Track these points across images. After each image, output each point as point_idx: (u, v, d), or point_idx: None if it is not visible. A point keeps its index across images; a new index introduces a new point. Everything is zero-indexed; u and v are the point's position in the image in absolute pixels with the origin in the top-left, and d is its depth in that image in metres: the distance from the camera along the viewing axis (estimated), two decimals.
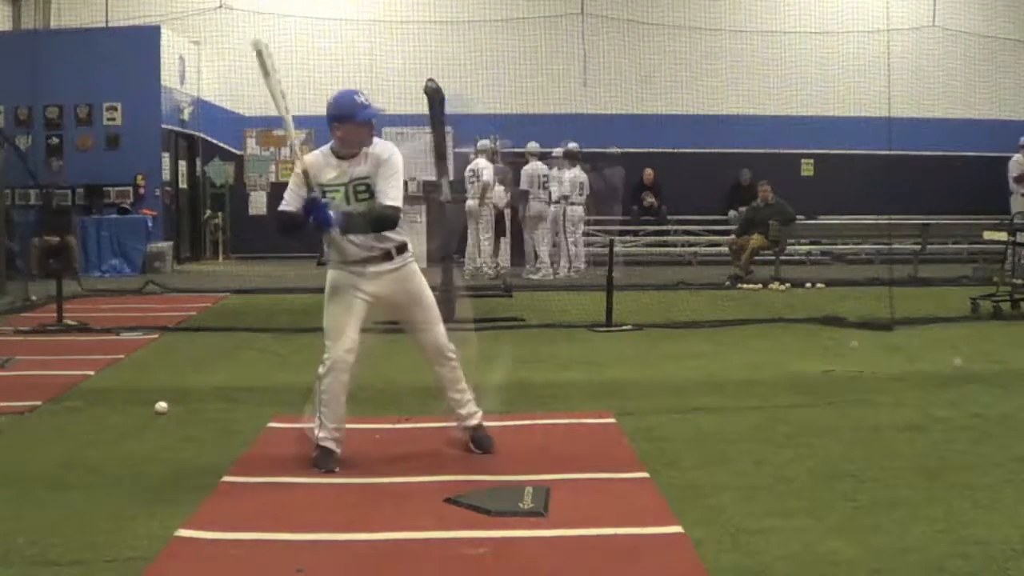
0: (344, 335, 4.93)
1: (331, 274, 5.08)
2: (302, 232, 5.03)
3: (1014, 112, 19.27)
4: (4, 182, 13.04)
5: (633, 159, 18.16)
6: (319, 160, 4.99)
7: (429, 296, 5.21)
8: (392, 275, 5.05)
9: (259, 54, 4.93)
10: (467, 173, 14.99)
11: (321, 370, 4.97)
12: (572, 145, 15.46)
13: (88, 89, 16.65)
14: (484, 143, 15.24)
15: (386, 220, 4.92)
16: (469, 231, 14.96)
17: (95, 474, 4.97)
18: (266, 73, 4.95)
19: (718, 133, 18.68)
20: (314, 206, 4.80)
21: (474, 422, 5.33)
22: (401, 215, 5.00)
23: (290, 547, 3.97)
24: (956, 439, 5.56)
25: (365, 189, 4.94)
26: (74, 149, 16.79)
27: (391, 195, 4.92)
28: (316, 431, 5.01)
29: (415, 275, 5.15)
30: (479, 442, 5.31)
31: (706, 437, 5.65)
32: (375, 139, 5.03)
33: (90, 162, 16.65)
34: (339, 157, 4.97)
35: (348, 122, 4.92)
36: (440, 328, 5.20)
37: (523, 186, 15.10)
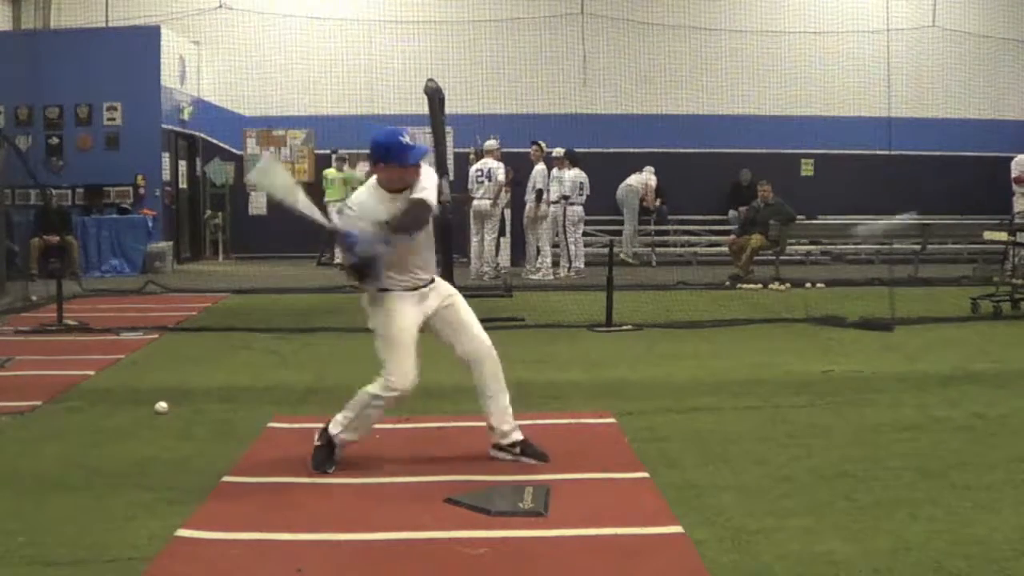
0: (411, 368, 4.84)
1: (389, 298, 4.88)
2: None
3: (1014, 112, 19.28)
4: (4, 182, 13.03)
5: (633, 159, 18.18)
6: (367, 201, 4.84)
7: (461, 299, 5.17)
8: (431, 289, 5.03)
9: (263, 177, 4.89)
10: (475, 173, 14.75)
11: (377, 390, 4.85)
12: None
13: (88, 89, 16.63)
14: (491, 143, 14.92)
15: (419, 214, 4.75)
16: (474, 232, 14.88)
17: (95, 474, 4.97)
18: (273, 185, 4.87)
19: (718, 133, 18.68)
20: (346, 240, 4.64)
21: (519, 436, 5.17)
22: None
23: (290, 547, 3.97)
24: (956, 439, 5.56)
25: None
26: (74, 149, 16.80)
27: (423, 191, 4.80)
28: (339, 431, 4.96)
29: (445, 284, 5.16)
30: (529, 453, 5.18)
31: (706, 437, 5.64)
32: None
33: (90, 162, 16.63)
34: (387, 190, 4.87)
35: (394, 165, 4.82)
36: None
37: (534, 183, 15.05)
